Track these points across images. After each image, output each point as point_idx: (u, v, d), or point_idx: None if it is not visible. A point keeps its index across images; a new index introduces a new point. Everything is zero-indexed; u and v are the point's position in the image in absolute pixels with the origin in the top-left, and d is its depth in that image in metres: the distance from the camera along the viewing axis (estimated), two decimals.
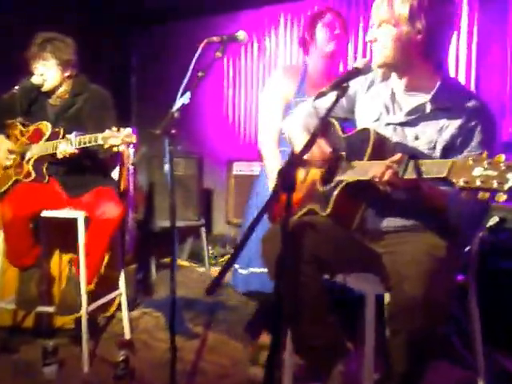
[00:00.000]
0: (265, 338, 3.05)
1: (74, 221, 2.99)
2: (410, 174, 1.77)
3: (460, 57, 4.16)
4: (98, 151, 2.97)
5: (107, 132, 2.74)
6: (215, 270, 5.00)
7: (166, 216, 4.87)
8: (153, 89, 5.90)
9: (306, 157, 2.16)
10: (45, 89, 3.12)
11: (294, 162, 1.83)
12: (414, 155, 1.81)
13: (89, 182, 3.14)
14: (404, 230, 2.09)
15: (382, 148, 2.03)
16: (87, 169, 3.11)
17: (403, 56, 2.01)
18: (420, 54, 2.00)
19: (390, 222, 2.12)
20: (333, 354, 2.13)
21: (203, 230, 4.96)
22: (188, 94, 2.27)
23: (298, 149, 2.29)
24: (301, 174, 2.41)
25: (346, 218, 2.08)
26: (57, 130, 3.06)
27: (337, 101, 1.94)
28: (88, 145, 2.80)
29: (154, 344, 3.39)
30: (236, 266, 3.06)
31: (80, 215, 2.99)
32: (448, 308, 1.83)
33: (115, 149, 2.76)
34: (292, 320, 2.10)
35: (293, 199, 2.25)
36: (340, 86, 1.95)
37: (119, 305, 3.49)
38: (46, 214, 3.04)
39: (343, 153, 2.18)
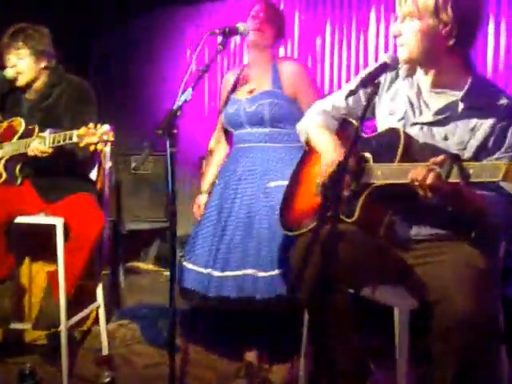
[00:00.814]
0: (251, 355, 2.95)
1: (48, 227, 2.81)
2: (455, 178, 1.69)
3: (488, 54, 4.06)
4: (76, 151, 2.79)
5: (82, 129, 2.56)
6: None
7: (134, 217, 4.69)
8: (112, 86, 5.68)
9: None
10: (20, 83, 2.93)
11: (342, 170, 1.71)
12: (456, 157, 1.73)
13: (67, 185, 2.94)
14: (437, 238, 2.02)
15: (413, 149, 1.96)
16: (65, 171, 2.91)
17: (429, 50, 1.94)
18: (446, 48, 1.93)
19: (421, 230, 2.04)
20: (356, 378, 2.02)
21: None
22: (190, 91, 2.17)
23: (321, 149, 2.20)
24: (313, 180, 2.30)
25: (374, 225, 2.00)
26: (31, 127, 2.86)
27: (371, 99, 1.85)
28: (62, 143, 2.61)
29: (134, 359, 3.25)
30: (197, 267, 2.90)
31: (59, 222, 2.80)
32: (498, 321, 1.76)
33: (92, 147, 2.58)
34: (316, 338, 1.99)
35: (311, 204, 2.19)
36: (371, 82, 1.85)
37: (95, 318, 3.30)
38: (20, 219, 2.84)
39: (367, 154, 2.06)
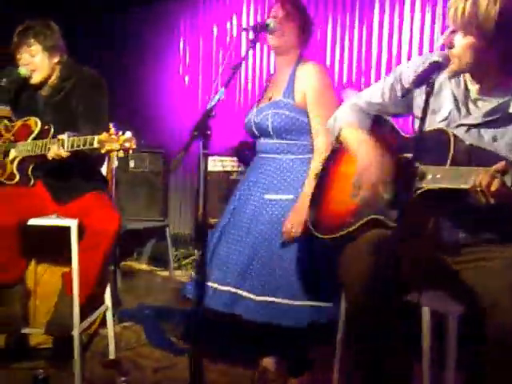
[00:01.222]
0: (268, 361, 2.88)
1: (60, 228, 2.77)
2: None
3: None
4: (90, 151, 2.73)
5: (104, 135, 2.51)
6: (180, 274, 4.80)
7: (129, 216, 4.64)
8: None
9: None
10: (35, 80, 2.88)
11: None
12: None
13: (80, 185, 2.91)
14: (486, 242, 1.99)
15: (462, 152, 1.94)
16: (77, 170, 2.87)
17: (480, 66, 1.95)
18: (497, 65, 1.95)
19: (470, 235, 2.01)
20: None
21: (167, 230, 4.73)
22: (222, 90, 2.16)
23: (358, 153, 2.15)
24: (346, 180, 2.25)
25: (419, 229, 1.98)
26: (46, 127, 2.81)
27: (428, 98, 1.82)
28: (82, 148, 2.57)
29: (142, 363, 3.20)
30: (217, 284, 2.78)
31: (73, 223, 2.76)
32: None
33: (113, 154, 2.60)
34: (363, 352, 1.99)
35: (346, 205, 2.18)
36: (426, 81, 1.84)
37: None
38: (33, 222, 2.78)
39: (410, 155, 2.04)
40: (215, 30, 5.49)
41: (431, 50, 4.27)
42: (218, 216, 4.36)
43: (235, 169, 4.49)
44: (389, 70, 4.46)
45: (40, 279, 3.19)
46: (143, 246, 5.07)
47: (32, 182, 2.85)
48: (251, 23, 5.18)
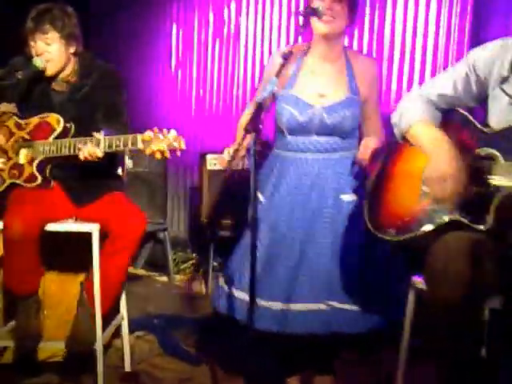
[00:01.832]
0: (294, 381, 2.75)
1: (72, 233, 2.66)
2: None
3: None
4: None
5: (147, 134, 2.37)
6: (180, 279, 4.65)
7: None
8: None
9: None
10: (49, 72, 2.69)
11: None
12: None
13: (99, 186, 2.77)
14: None
15: None
16: (97, 170, 2.69)
17: None
18: None
19: None
20: None
21: (166, 233, 4.58)
22: (275, 80, 2.06)
23: (427, 145, 2.06)
24: (409, 179, 2.15)
25: (507, 233, 1.89)
26: (68, 125, 2.64)
27: None
28: (122, 148, 2.42)
29: (158, 374, 3.07)
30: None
31: (95, 228, 2.62)
32: None
33: (158, 155, 2.38)
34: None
35: (414, 205, 2.07)
36: None
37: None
38: (53, 227, 2.62)
39: (494, 151, 1.97)
40: (211, 16, 5.30)
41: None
42: (220, 216, 4.30)
43: (239, 167, 4.34)
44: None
45: (48, 288, 3.02)
46: (139, 249, 4.88)
47: (52, 183, 2.69)
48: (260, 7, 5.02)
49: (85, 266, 2.98)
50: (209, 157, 4.32)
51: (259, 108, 1.94)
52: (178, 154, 2.38)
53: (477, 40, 4.00)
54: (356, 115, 2.58)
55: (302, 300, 2.44)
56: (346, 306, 2.43)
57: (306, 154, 2.58)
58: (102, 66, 2.80)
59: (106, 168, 2.73)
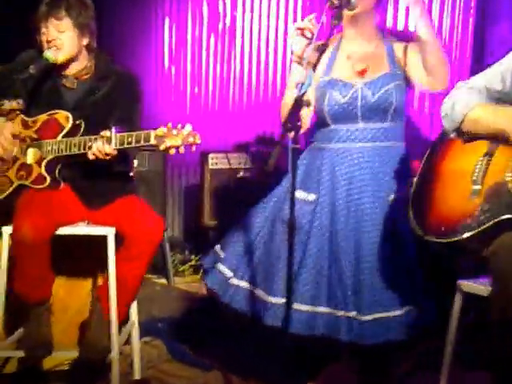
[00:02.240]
0: None
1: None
2: None
3: None
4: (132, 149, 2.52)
5: (162, 130, 2.28)
6: (179, 281, 4.54)
7: None
8: None
9: None
10: (59, 61, 2.55)
11: None
12: None
13: (113, 188, 2.66)
14: None
15: None
16: (111, 171, 2.59)
17: None
18: None
19: None
20: None
21: (165, 234, 4.46)
22: (312, 73, 2.01)
23: (497, 121, 1.98)
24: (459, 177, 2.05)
25: None
26: (77, 122, 2.52)
27: None
28: (134, 145, 2.34)
29: (169, 381, 2.96)
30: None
31: (110, 232, 2.53)
32: None
33: (172, 151, 2.29)
34: None
35: (464, 205, 1.97)
36: None
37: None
38: (65, 231, 2.52)
39: None
40: (205, 10, 5.17)
41: None
42: (221, 217, 4.21)
43: (242, 166, 4.26)
44: None
45: (57, 293, 2.89)
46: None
47: (62, 185, 2.57)
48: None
49: (94, 270, 2.94)
50: (211, 156, 4.23)
51: (298, 104, 1.84)
52: (194, 149, 2.30)
53: (481, 38, 3.99)
54: (401, 90, 2.40)
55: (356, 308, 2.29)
56: (397, 312, 2.29)
57: (351, 144, 2.39)
58: (123, 72, 2.73)
59: (118, 169, 2.62)
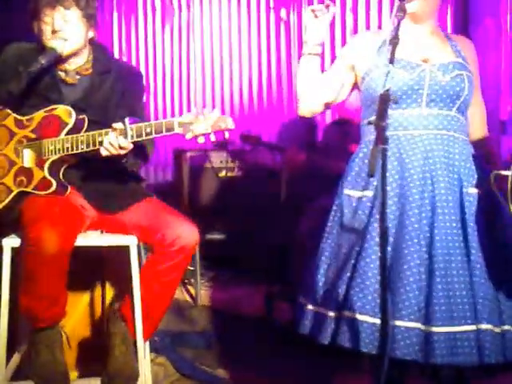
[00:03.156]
0: None
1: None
2: None
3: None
4: (148, 145, 2.31)
5: (187, 116, 2.05)
6: None
7: None
8: None
9: None
10: (65, 53, 2.25)
11: None
12: None
13: (130, 189, 2.35)
14: None
15: None
16: (124, 170, 2.30)
17: None
18: None
19: None
20: None
21: None
22: (390, 68, 1.75)
23: None
24: None
25: None
26: (81, 117, 2.22)
27: None
28: (154, 136, 2.08)
29: None
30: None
31: (133, 242, 2.23)
32: None
33: (201, 139, 2.06)
34: None
35: None
36: None
37: None
38: (84, 242, 2.21)
39: None
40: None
41: None
42: (204, 218, 3.93)
43: (223, 165, 4.00)
44: None
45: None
46: None
47: (69, 188, 2.24)
48: None
49: (91, 283, 2.66)
50: (189, 154, 3.95)
51: (384, 101, 1.63)
52: (227, 135, 2.06)
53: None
54: (471, 83, 2.10)
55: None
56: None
57: (416, 131, 2.06)
58: (124, 65, 2.55)
59: (134, 166, 2.33)
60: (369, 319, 1.89)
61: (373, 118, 1.70)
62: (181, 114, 4.60)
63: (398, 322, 1.87)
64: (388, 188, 1.93)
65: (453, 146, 2.05)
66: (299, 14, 4.45)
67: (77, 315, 2.63)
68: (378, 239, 1.84)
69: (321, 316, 2.01)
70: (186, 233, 2.19)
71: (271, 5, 4.47)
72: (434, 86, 2.04)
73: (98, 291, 2.69)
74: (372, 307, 1.90)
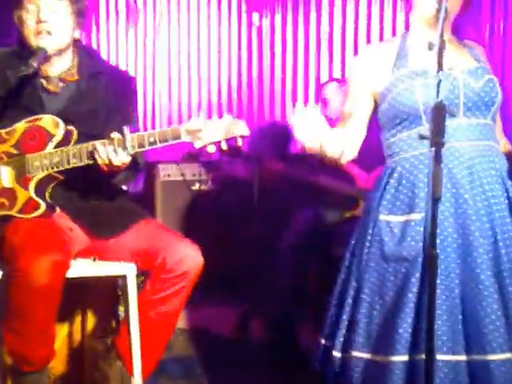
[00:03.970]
0: None
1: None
2: None
3: None
4: (139, 158, 2.07)
5: (196, 121, 1.87)
6: None
7: None
8: None
9: None
10: (50, 48, 1.99)
11: None
12: None
13: (126, 209, 2.13)
14: None
15: None
16: (117, 187, 2.11)
17: None
18: None
19: None
20: None
21: None
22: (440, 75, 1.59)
23: None
24: None
25: None
26: (69, 128, 1.98)
27: None
28: (158, 145, 1.90)
29: None
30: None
31: (130, 270, 2.02)
32: None
33: (211, 148, 1.86)
34: None
35: None
36: None
37: None
38: (77, 272, 1.96)
39: None
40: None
41: None
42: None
43: (196, 177, 3.80)
44: None
45: None
46: None
47: (57, 209, 1.99)
48: None
49: (70, 310, 2.41)
50: (162, 166, 3.72)
51: (440, 112, 1.49)
52: (240, 143, 1.86)
53: None
54: (499, 87, 1.98)
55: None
56: None
57: (457, 144, 1.89)
58: (115, 70, 2.33)
59: (127, 182, 2.14)
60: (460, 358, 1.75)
61: (422, 131, 1.60)
62: (153, 122, 4.48)
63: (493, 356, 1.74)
64: (441, 208, 1.74)
65: (495, 156, 1.92)
66: (272, 19, 4.30)
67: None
68: (442, 266, 1.73)
69: (379, 364, 1.80)
70: (189, 255, 1.98)
71: (243, 9, 4.29)
72: (469, 93, 1.91)
73: (77, 321, 2.43)
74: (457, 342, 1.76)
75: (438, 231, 1.55)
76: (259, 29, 4.32)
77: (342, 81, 3.70)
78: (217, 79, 4.38)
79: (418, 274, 1.76)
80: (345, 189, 3.39)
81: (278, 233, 3.60)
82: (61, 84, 2.07)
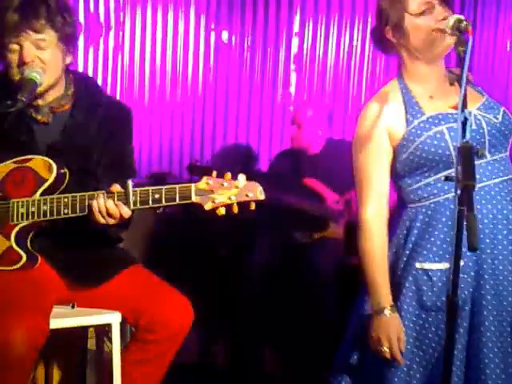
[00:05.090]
0: None
1: None
2: None
3: None
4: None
5: (206, 182, 1.76)
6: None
7: None
8: None
9: None
10: (45, 83, 1.89)
11: None
12: None
13: (112, 257, 2.05)
14: None
15: None
16: (104, 234, 2.00)
17: None
18: None
19: None
20: None
21: None
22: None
23: None
24: None
25: None
26: (62, 171, 1.89)
27: None
28: (163, 204, 1.78)
29: None
30: None
31: (115, 318, 1.95)
32: None
33: (222, 211, 1.76)
34: None
35: None
36: None
37: None
38: (55, 324, 1.84)
39: None
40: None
41: None
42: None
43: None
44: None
45: None
46: None
47: (39, 260, 1.89)
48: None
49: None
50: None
51: (469, 153, 1.48)
52: (253, 207, 1.78)
53: None
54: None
55: None
56: None
57: (479, 184, 1.83)
58: (113, 103, 2.15)
59: (114, 231, 2.02)
60: None
61: (450, 174, 1.57)
62: None
63: None
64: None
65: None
66: (242, 37, 4.27)
67: None
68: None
69: None
70: (176, 315, 1.91)
71: (212, 26, 4.24)
72: (492, 130, 1.90)
73: (40, 373, 2.34)
74: None
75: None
76: (228, 46, 4.28)
77: (313, 104, 3.74)
78: (182, 96, 4.31)
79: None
80: (315, 209, 3.41)
81: (244, 256, 3.60)
82: (51, 115, 1.96)
